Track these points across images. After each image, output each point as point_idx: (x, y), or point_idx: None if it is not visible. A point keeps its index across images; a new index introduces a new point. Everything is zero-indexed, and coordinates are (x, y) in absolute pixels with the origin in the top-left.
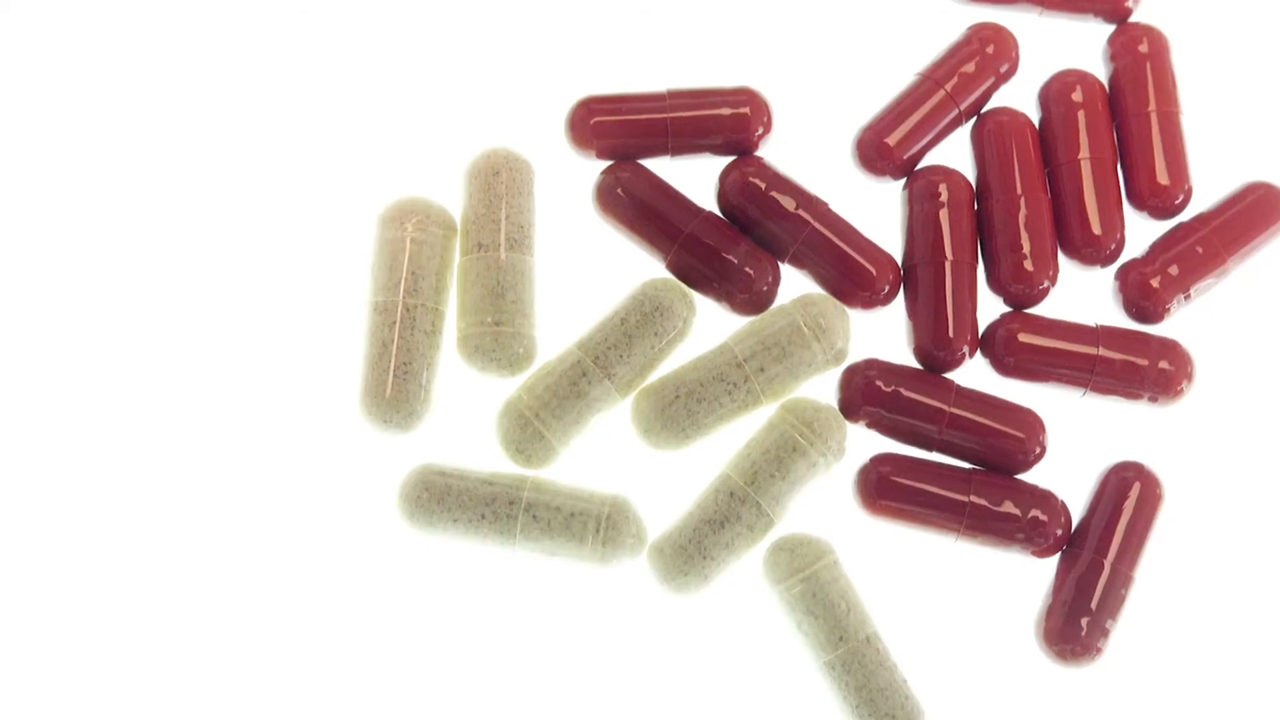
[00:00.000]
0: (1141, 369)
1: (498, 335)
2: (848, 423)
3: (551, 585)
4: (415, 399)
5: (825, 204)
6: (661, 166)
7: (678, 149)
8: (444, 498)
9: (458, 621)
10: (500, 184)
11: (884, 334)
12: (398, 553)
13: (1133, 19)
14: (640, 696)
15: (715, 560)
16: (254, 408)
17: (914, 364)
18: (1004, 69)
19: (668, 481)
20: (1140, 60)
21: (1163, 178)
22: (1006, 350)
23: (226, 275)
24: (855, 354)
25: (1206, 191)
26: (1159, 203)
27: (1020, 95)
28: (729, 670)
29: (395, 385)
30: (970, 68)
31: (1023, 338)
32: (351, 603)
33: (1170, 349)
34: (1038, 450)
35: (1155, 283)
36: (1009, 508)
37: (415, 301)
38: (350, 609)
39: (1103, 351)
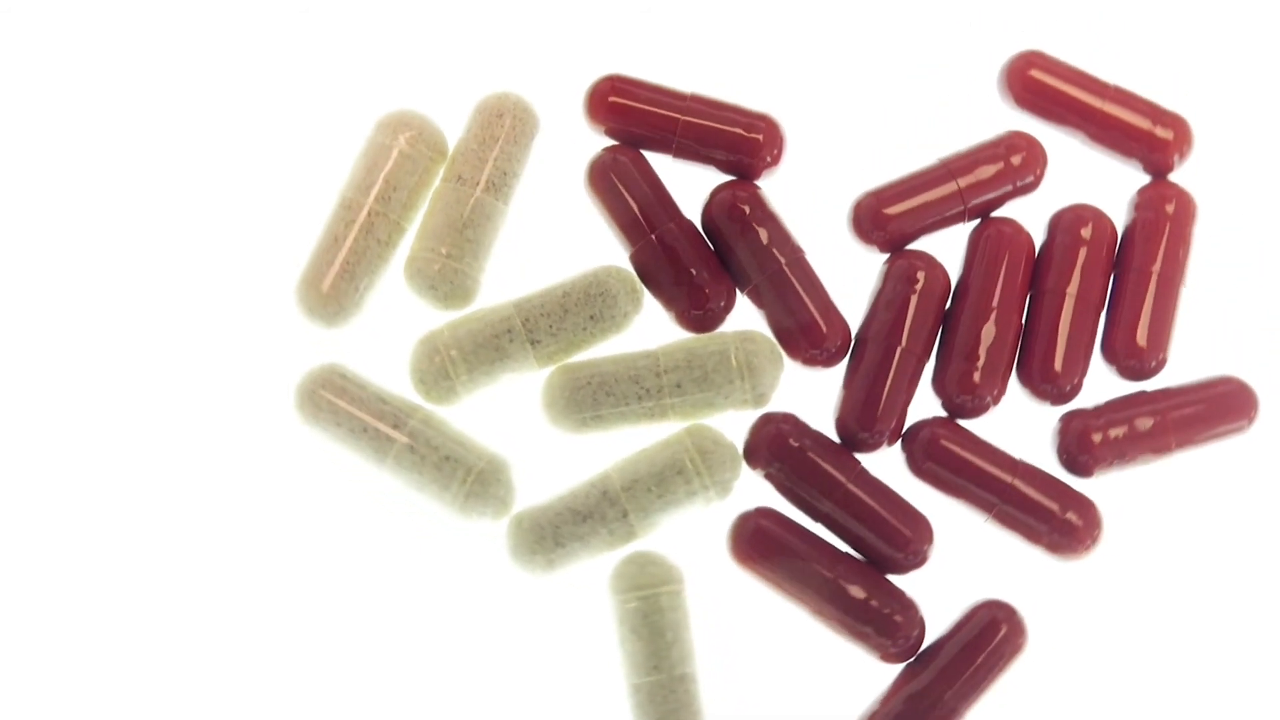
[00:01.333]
0: (1048, 513)
1: (445, 266)
2: (745, 467)
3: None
4: (348, 299)
5: (802, 251)
6: (664, 165)
7: (682, 151)
8: (336, 399)
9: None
10: (502, 127)
11: (814, 398)
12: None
13: (1171, 178)
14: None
15: (566, 549)
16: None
17: (832, 434)
18: (1024, 182)
19: (564, 465)
20: (1162, 219)
21: (1142, 339)
22: (926, 452)
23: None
24: (778, 405)
25: (1182, 364)
26: (1131, 363)
27: (1036, 209)
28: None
29: (334, 281)
30: (990, 171)
31: (944, 444)
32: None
33: (1083, 505)
34: (917, 558)
35: (1096, 438)
36: (868, 600)
37: (381, 210)
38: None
39: (1017, 483)
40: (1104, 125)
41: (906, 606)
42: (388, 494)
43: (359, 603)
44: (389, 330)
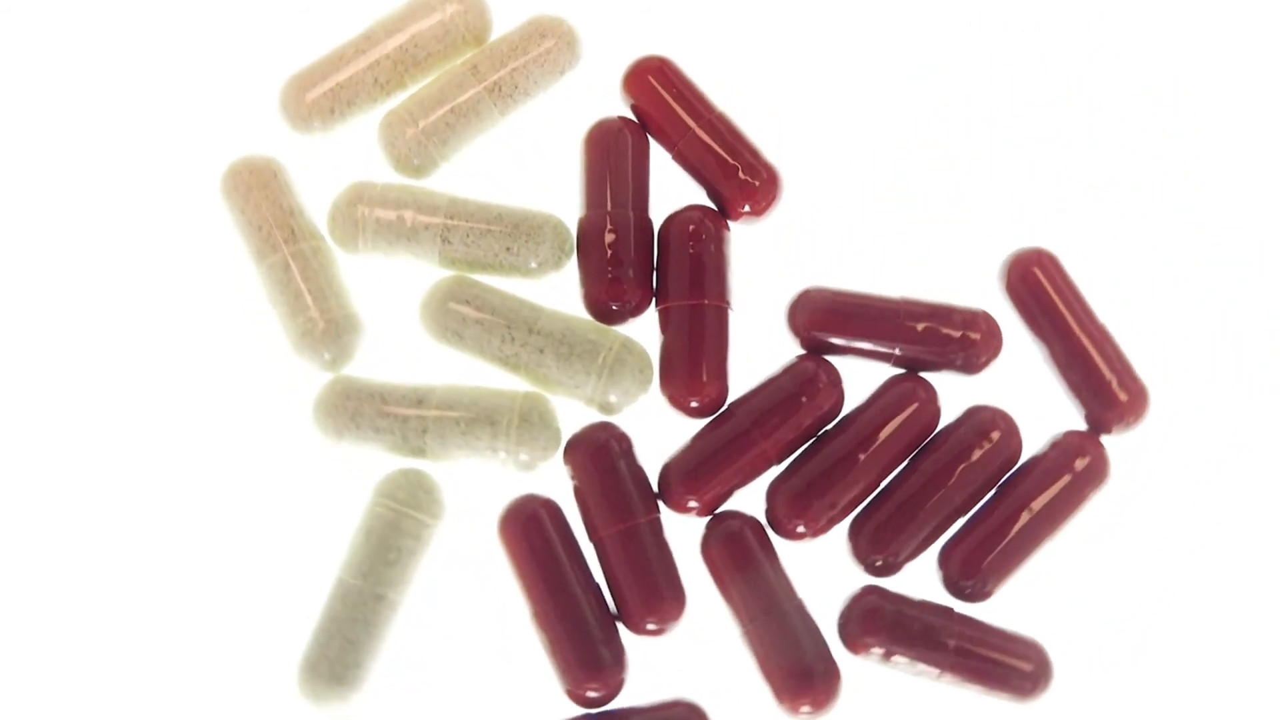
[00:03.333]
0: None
1: (413, 136)
2: (558, 455)
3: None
4: (320, 118)
5: (728, 305)
6: (664, 164)
7: (681, 159)
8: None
9: None
10: (539, 46)
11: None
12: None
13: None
14: None
15: (357, 431)
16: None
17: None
18: (968, 361)
19: None
20: (1066, 471)
21: (984, 565)
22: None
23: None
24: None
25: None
26: (962, 583)
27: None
28: None
29: (319, 96)
30: (941, 333)
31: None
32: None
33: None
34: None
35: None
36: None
37: (394, 58)
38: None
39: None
40: (1071, 357)
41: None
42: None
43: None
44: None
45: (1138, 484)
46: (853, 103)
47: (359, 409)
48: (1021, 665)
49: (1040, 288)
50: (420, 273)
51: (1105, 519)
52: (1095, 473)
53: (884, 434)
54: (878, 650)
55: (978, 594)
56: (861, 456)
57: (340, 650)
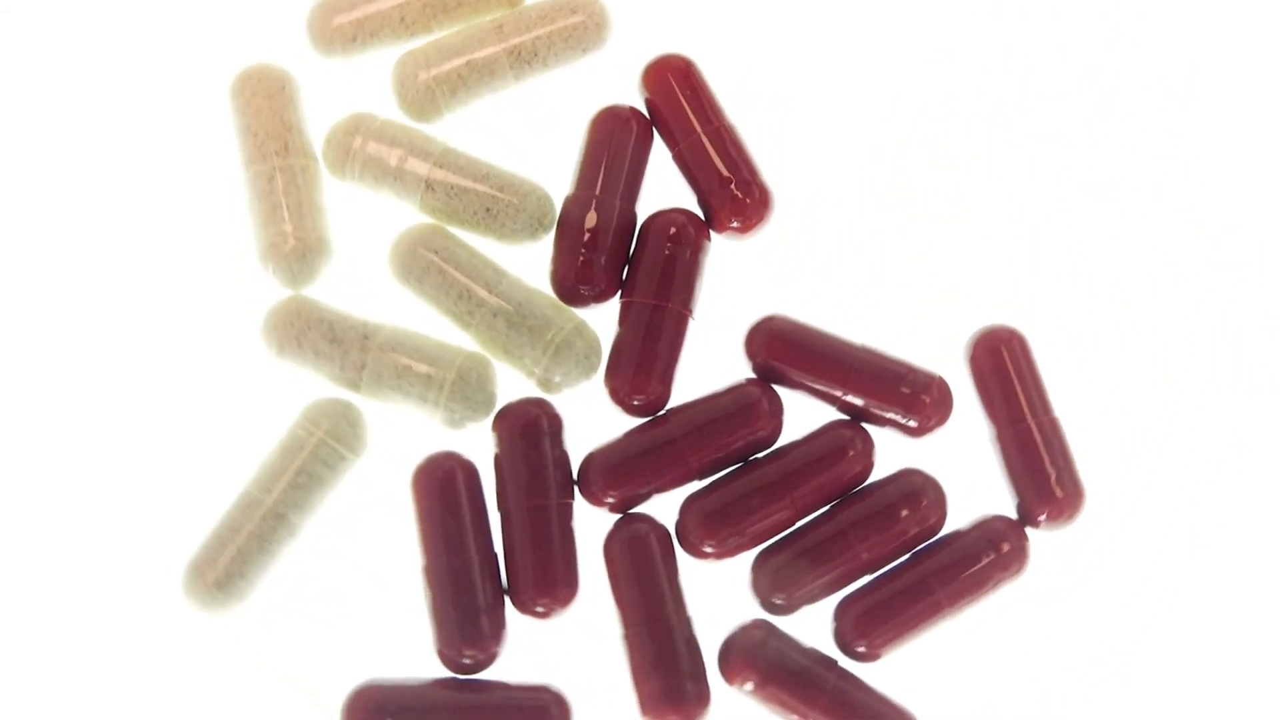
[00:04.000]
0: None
1: (422, 82)
2: (487, 422)
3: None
4: (341, 44)
5: (689, 314)
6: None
7: (680, 161)
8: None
9: None
10: (566, 20)
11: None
12: None
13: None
14: None
15: (298, 349)
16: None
17: None
18: (910, 423)
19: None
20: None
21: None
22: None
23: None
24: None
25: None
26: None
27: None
28: None
29: (344, 25)
30: (889, 391)
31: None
32: None
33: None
34: None
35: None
36: None
37: (427, 2)
38: None
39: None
40: (1018, 443)
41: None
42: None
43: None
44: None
45: (1139, 484)
46: (855, 99)
47: (305, 331)
48: None
49: (1003, 368)
50: (401, 215)
51: (1095, 529)
52: (1012, 562)
53: (810, 475)
54: (751, 684)
55: (865, 656)
56: (783, 492)
57: (231, 560)
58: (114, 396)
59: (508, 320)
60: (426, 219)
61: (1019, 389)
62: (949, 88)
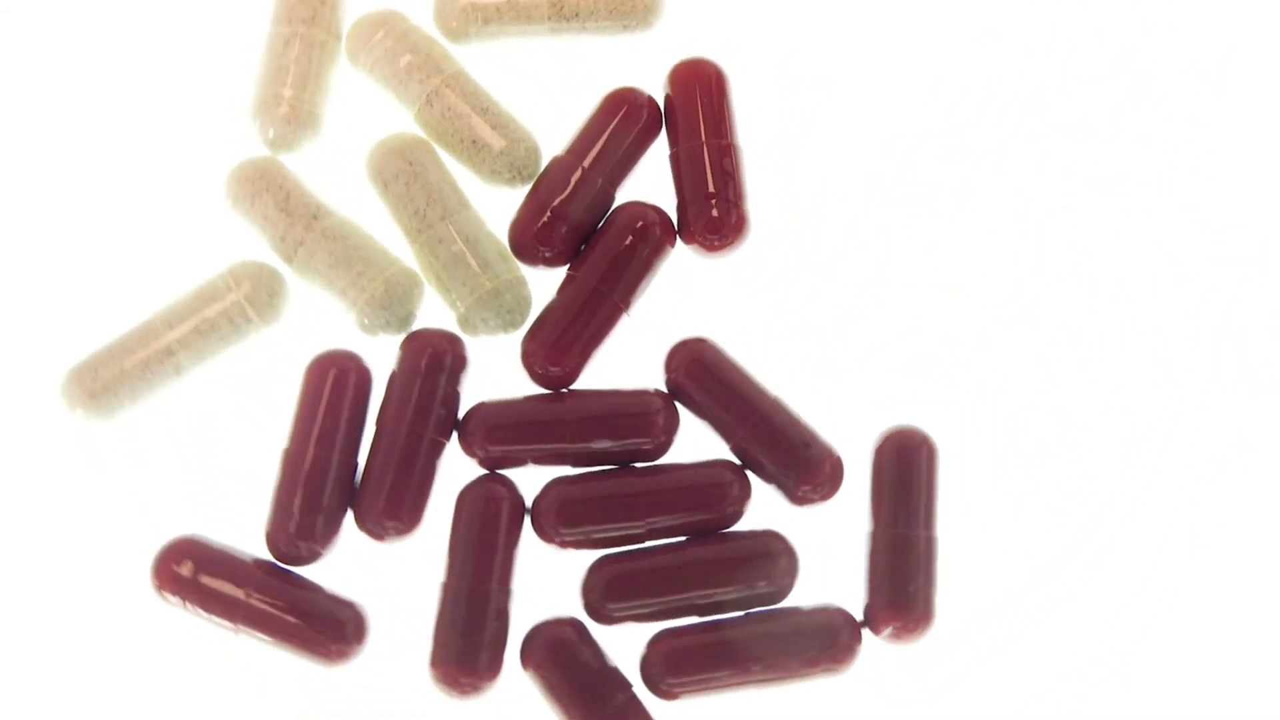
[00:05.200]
0: None
1: (463, 8)
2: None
3: None
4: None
5: (626, 307)
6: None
7: (674, 162)
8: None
9: None
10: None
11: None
12: None
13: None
14: None
15: (249, 207)
16: None
17: None
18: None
19: None
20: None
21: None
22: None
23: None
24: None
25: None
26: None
27: None
28: None
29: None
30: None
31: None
32: None
33: None
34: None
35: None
36: None
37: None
38: None
39: None
40: (889, 552)
41: None
42: None
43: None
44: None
45: (1137, 485)
46: (860, 95)
47: (262, 192)
48: None
49: (907, 473)
50: (398, 120)
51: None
52: (839, 658)
53: (677, 504)
54: (541, 677)
55: (662, 693)
56: (645, 511)
57: (112, 377)
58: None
59: (451, 250)
60: (419, 132)
61: (913, 498)
62: (954, 84)
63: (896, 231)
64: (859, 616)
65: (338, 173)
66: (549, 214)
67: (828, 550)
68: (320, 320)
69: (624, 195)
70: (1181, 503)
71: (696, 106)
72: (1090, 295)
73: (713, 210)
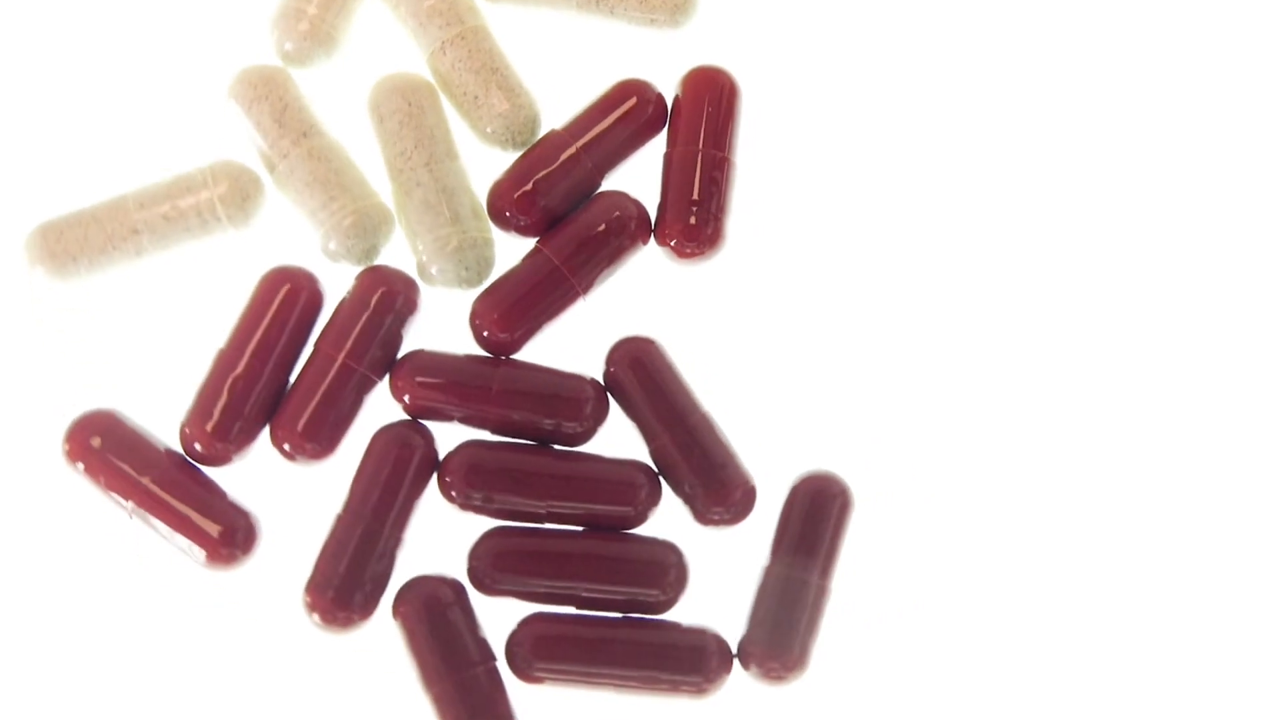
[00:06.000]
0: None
1: None
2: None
3: None
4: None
5: (579, 292)
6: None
7: (665, 162)
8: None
9: None
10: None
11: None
12: None
13: None
14: None
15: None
16: None
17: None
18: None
19: None
20: None
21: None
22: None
23: None
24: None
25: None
26: None
27: None
28: None
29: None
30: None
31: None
32: None
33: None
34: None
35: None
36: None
37: None
38: None
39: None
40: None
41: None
42: None
43: None
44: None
45: (1138, 484)
46: (857, 94)
47: (261, 99)
48: None
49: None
50: (410, 60)
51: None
52: (706, 681)
53: (584, 494)
54: (404, 627)
55: (524, 674)
56: (550, 492)
57: (75, 239)
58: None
59: (426, 196)
60: (428, 76)
61: (817, 544)
62: (952, 85)
63: (890, 234)
64: (734, 647)
65: (340, 98)
66: (531, 184)
67: (721, 575)
68: (286, 237)
69: (610, 184)
70: (1181, 502)
71: (702, 114)
72: (1089, 295)
73: (691, 217)
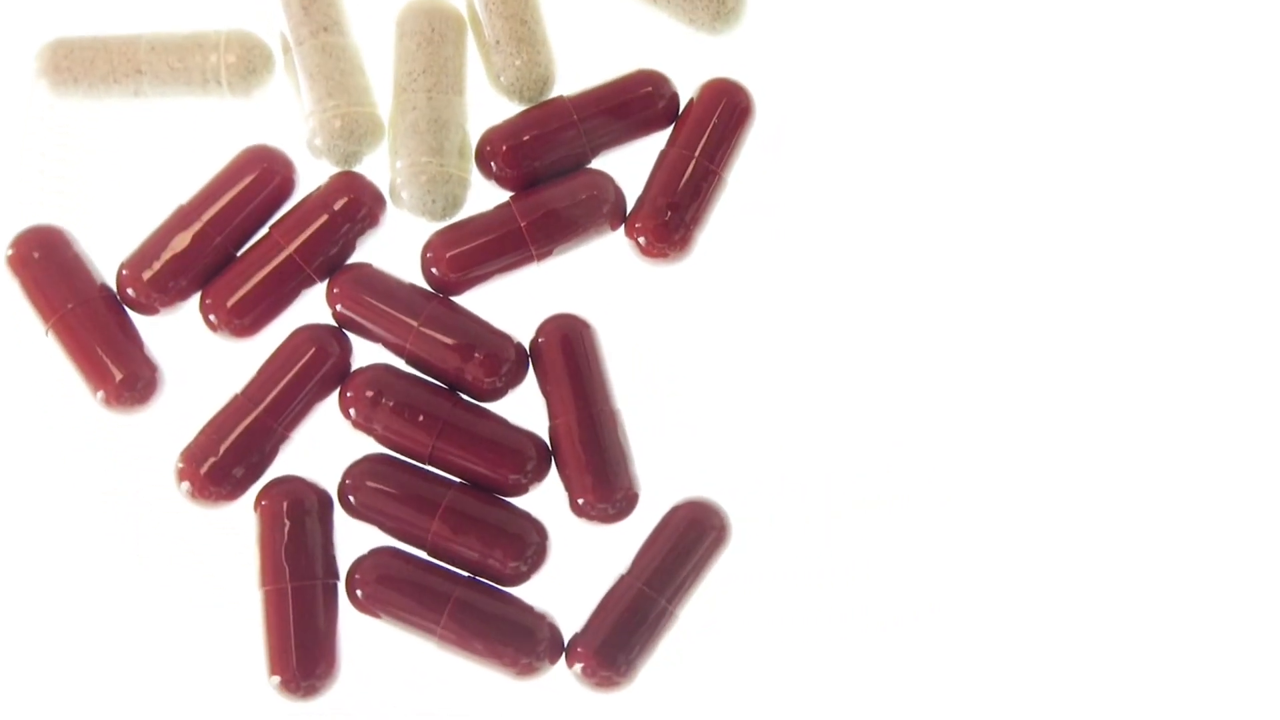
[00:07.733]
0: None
1: None
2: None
3: None
4: None
5: (536, 259)
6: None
7: (659, 159)
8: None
9: None
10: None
11: None
12: None
13: None
14: None
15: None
16: None
17: None
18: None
19: None
20: None
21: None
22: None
23: None
24: None
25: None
26: None
27: None
28: None
29: None
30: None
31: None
32: None
33: None
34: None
35: None
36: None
37: None
38: None
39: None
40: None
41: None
42: None
43: None
44: None
45: (1137, 483)
46: (857, 93)
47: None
48: None
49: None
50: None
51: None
52: (529, 663)
53: (471, 446)
54: (265, 520)
55: (355, 599)
56: (438, 430)
57: (81, 62)
58: None
59: (417, 121)
60: (460, 8)
61: (678, 568)
62: (952, 85)
63: (888, 234)
64: (567, 641)
65: (375, 6)
66: (523, 141)
67: (580, 570)
68: (277, 126)
69: (600, 164)
70: (1180, 502)
71: (709, 124)
72: (1087, 295)
73: (665, 217)
